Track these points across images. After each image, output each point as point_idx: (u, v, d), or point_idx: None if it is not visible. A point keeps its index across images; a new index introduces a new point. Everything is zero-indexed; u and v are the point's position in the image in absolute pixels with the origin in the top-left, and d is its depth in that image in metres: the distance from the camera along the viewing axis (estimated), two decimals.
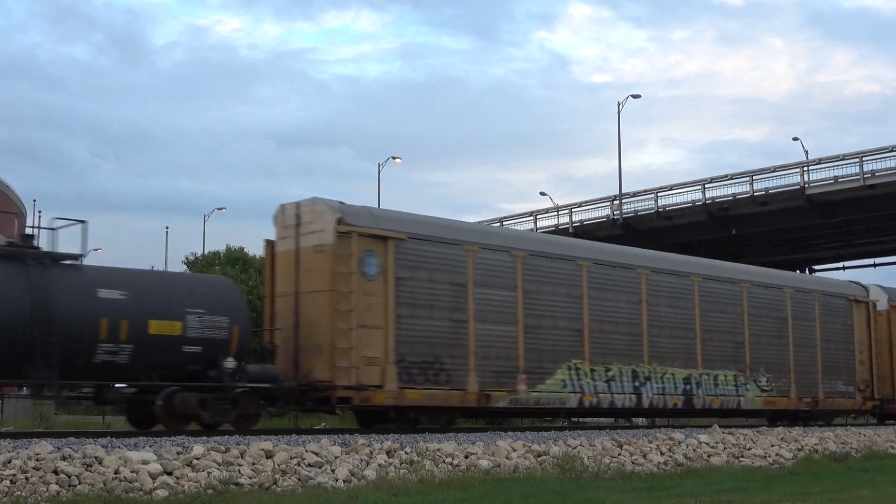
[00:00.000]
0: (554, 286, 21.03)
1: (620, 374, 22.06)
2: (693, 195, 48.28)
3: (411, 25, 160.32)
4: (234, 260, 48.47)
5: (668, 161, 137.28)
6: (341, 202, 18.47)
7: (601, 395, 21.65)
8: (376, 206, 58.23)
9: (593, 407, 22.00)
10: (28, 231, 16.21)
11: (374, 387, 17.72)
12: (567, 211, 53.39)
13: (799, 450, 20.05)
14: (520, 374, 20.08)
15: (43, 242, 16.08)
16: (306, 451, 13.20)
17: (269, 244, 19.25)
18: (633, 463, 16.38)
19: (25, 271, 15.10)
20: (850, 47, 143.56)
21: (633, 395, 22.29)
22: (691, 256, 27.74)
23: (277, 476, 12.13)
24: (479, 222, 56.88)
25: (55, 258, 15.64)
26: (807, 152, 52.90)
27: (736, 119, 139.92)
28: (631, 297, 22.54)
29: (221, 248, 50.44)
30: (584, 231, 50.46)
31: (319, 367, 17.61)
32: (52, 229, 16.37)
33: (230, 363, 16.63)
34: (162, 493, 10.98)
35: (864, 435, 23.61)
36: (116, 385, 16.11)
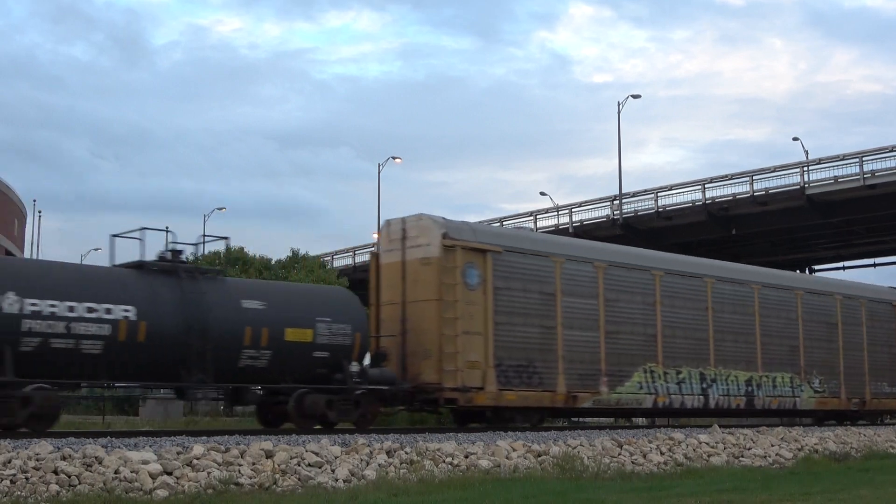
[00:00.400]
0: (630, 294, 22.71)
1: (689, 376, 23.74)
2: (693, 195, 48.29)
3: (412, 25, 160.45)
4: (234, 260, 48.47)
5: (669, 161, 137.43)
6: (445, 218, 20.08)
7: (673, 396, 23.36)
8: (376, 205, 58.25)
9: (665, 407, 23.55)
10: (177, 247, 17.60)
11: (476, 389, 19.25)
12: (567, 211, 53.39)
13: (799, 450, 20.05)
14: (602, 377, 21.74)
15: (148, 253, 17.04)
16: (306, 451, 13.20)
17: (374, 256, 20.99)
18: (633, 463, 16.38)
19: (180, 284, 16.69)
20: (850, 47, 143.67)
21: (700, 396, 24.06)
22: (751, 266, 29.50)
23: (277, 476, 12.14)
24: (479, 222, 56.88)
25: (203, 272, 17.42)
26: (807, 152, 52.94)
27: (737, 119, 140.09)
28: (698, 305, 24.27)
29: (221, 247, 50.47)
30: (584, 231, 50.46)
31: (427, 371, 19.15)
32: (196, 244, 18.67)
33: (355, 367, 18.24)
34: (162, 493, 10.98)
35: (864, 435, 23.61)
36: (252, 387, 17.61)
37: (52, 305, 15.13)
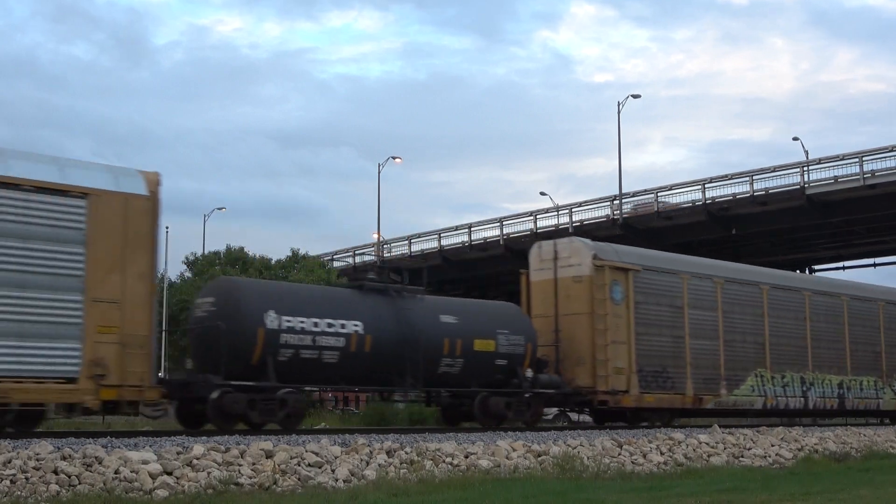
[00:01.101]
0: (742, 307, 25.42)
1: (792, 380, 26.45)
2: (693, 195, 48.27)
3: (414, 25, 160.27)
4: (235, 260, 48.50)
5: (672, 160, 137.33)
6: (594, 241, 23.27)
7: (779, 398, 25.98)
8: (376, 205, 58.21)
9: (773, 409, 26.09)
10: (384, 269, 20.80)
11: (622, 392, 21.93)
12: (567, 211, 53.38)
13: (799, 450, 20.05)
14: (721, 381, 24.40)
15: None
16: (306, 451, 13.20)
17: (524, 275, 23.60)
18: (632, 463, 16.38)
19: (392, 302, 19.48)
20: (853, 47, 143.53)
21: (801, 398, 26.69)
22: (841, 279, 32.66)
23: (277, 476, 12.14)
24: (479, 222, 57.02)
25: (409, 291, 20.12)
26: (807, 152, 52.95)
27: (739, 119, 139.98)
28: (797, 315, 27.03)
29: (222, 248, 50.48)
30: (584, 231, 50.40)
31: (582, 376, 21.86)
32: (400, 271, 21.47)
33: (529, 373, 20.96)
34: (162, 493, 10.98)
35: (864, 435, 23.62)
36: (445, 390, 20.31)
37: (302, 322, 17.79)
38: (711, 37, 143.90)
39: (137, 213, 15.77)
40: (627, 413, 22.75)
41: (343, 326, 18.35)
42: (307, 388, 19.03)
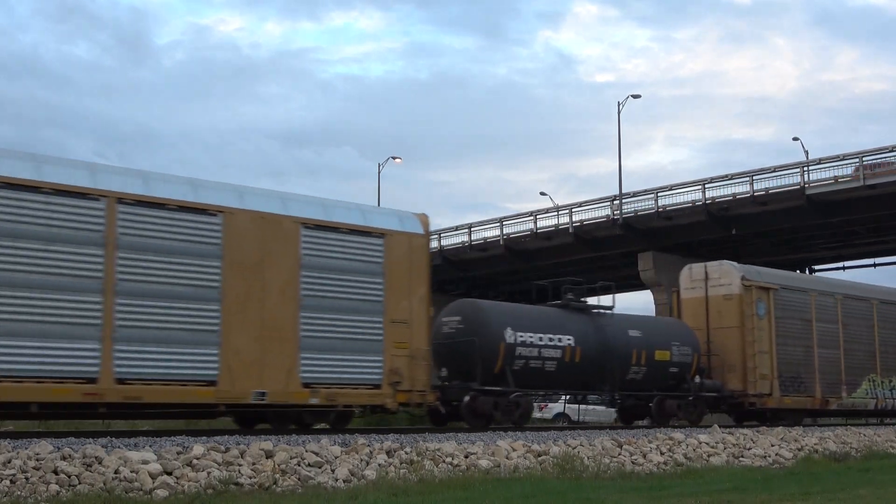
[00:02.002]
0: (857, 319, 28.99)
1: None
2: (693, 195, 48.23)
3: (416, 24, 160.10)
4: None
5: (676, 160, 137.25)
6: (741, 264, 27.23)
7: (888, 399, 29.81)
8: (376, 204, 58.20)
9: (882, 409, 29.91)
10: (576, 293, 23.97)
11: (766, 395, 25.69)
12: (567, 211, 53.35)
13: (799, 450, 20.05)
14: (842, 385, 28.15)
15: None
16: (306, 451, 13.20)
17: (675, 293, 28.08)
18: (632, 463, 16.38)
19: (591, 319, 23.41)
20: (856, 46, 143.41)
21: None
22: None
23: (277, 476, 12.14)
24: (480, 222, 57.01)
25: (602, 309, 24.17)
26: (807, 152, 52.96)
27: (743, 118, 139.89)
28: None
29: None
30: (584, 231, 50.47)
31: (733, 381, 25.69)
32: (597, 299, 25.46)
33: (697, 379, 24.91)
34: (162, 492, 10.98)
35: (864, 435, 23.62)
36: (632, 394, 24.30)
37: (531, 336, 21.52)
38: (714, 36, 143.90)
39: (417, 248, 19.24)
40: (767, 413, 26.26)
41: (560, 340, 22.20)
42: (533, 393, 22.54)
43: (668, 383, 24.46)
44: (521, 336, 21.22)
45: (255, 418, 18.42)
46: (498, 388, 20.63)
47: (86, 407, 15.33)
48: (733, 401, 25.73)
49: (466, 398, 20.09)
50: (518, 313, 22.19)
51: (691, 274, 27.05)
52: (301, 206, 17.95)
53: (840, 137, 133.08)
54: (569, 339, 22.23)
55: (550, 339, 21.88)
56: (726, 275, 26.22)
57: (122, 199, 15.45)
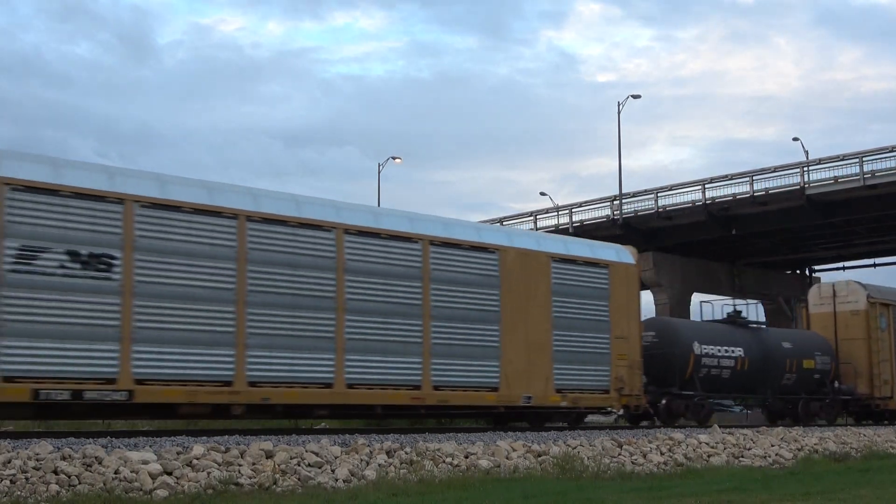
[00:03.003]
0: None
1: None
2: (693, 195, 48.29)
3: (419, 23, 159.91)
4: None
5: (680, 159, 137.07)
6: (866, 283, 31.15)
7: None
8: (377, 205, 58.23)
9: None
10: (739, 309, 29.02)
11: (887, 398, 29.92)
12: (567, 211, 53.40)
13: (799, 450, 20.04)
14: None
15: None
16: (306, 451, 13.20)
17: (804, 308, 32.06)
18: (633, 463, 16.38)
19: (754, 333, 28.29)
20: (860, 45, 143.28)
21: None
22: None
23: (277, 476, 12.14)
24: (481, 222, 56.91)
25: (758, 324, 29.51)
26: (807, 152, 52.97)
27: (746, 118, 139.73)
28: None
29: None
30: (584, 231, 50.47)
31: (861, 386, 29.77)
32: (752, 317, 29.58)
33: (836, 384, 29.25)
34: (162, 493, 10.98)
35: (864, 435, 23.62)
36: (786, 397, 28.62)
37: (712, 348, 26.18)
38: (716, 36, 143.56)
39: (632, 275, 23.10)
40: (886, 414, 30.71)
41: (732, 351, 26.68)
42: (713, 396, 26.71)
43: (811, 388, 28.81)
44: (706, 348, 25.93)
45: (512, 417, 22.08)
46: (689, 392, 25.18)
47: (412, 408, 19.28)
48: (862, 403, 29.91)
49: (664, 401, 24.72)
50: (701, 329, 27.15)
51: (820, 292, 31.64)
52: (550, 242, 22.33)
53: (845, 137, 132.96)
54: (739, 351, 26.90)
55: (726, 351, 26.59)
56: (853, 293, 30.42)
57: (432, 242, 19.21)
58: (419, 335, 18.67)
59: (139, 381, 15.28)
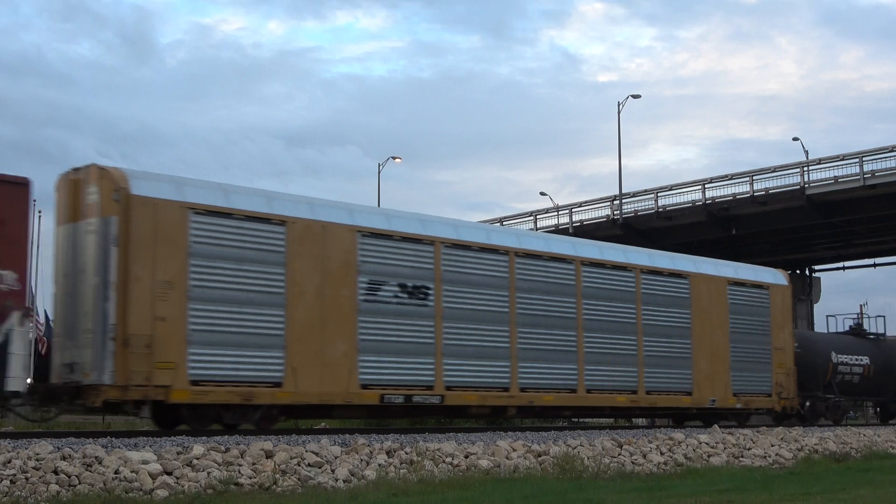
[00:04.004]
0: None
1: None
2: (693, 195, 48.24)
3: (422, 23, 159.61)
4: None
5: (682, 159, 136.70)
6: None
7: None
8: (377, 205, 58.21)
9: None
10: (859, 322, 35.08)
11: None
12: (567, 211, 53.36)
13: (799, 450, 20.03)
14: None
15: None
16: (306, 451, 13.20)
17: None
18: (633, 463, 16.37)
19: (875, 343, 33.58)
20: (864, 44, 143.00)
21: None
22: None
23: (277, 476, 12.13)
24: (483, 222, 56.91)
25: (878, 335, 34.46)
26: (807, 152, 52.92)
27: (749, 117, 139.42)
28: None
29: None
30: (584, 231, 50.42)
31: None
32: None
33: None
34: (162, 493, 10.98)
35: (864, 435, 23.62)
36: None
37: (846, 357, 31.29)
38: (719, 35, 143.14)
39: (786, 295, 27.33)
40: None
41: (860, 360, 31.78)
42: (844, 399, 31.36)
43: None
44: (841, 357, 30.94)
45: (689, 417, 26.19)
46: (829, 396, 30.13)
47: (629, 410, 24.80)
48: None
49: (808, 403, 29.40)
50: (836, 340, 31.90)
51: None
52: (725, 268, 26.28)
53: (850, 136, 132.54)
54: (865, 359, 31.91)
55: (856, 359, 31.52)
56: None
57: (642, 270, 23.50)
58: (635, 349, 23.05)
59: (448, 388, 19.29)
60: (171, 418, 16.76)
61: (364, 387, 18.00)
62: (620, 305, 22.78)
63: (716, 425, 22.58)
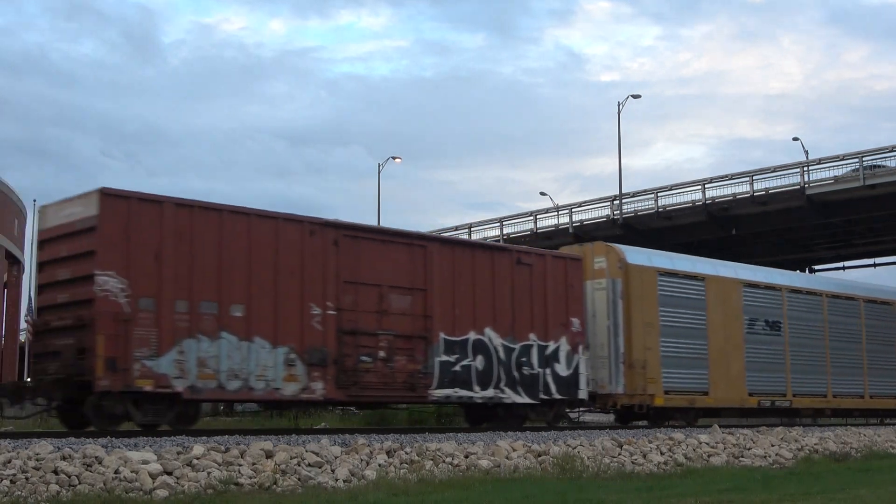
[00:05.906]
0: None
1: None
2: (693, 195, 48.29)
3: (427, 21, 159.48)
4: None
5: (685, 159, 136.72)
6: None
7: None
8: (376, 205, 58.11)
9: None
10: None
11: None
12: (567, 211, 53.39)
13: (799, 450, 20.03)
14: None
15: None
16: (306, 451, 13.20)
17: None
18: (633, 463, 16.37)
19: None
20: (871, 43, 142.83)
21: None
22: None
23: (277, 476, 12.14)
24: (480, 222, 57.04)
25: None
26: (807, 152, 52.98)
27: (757, 116, 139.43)
28: None
29: None
30: (584, 231, 50.48)
31: None
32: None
33: None
34: (162, 493, 10.98)
35: (864, 435, 23.61)
36: None
37: None
38: (725, 34, 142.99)
39: None
40: None
41: None
42: None
43: None
44: None
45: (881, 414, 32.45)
46: None
47: (890, 412, 31.89)
48: None
49: None
50: None
51: None
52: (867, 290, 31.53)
53: (859, 135, 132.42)
54: None
55: None
56: None
57: (865, 300, 30.41)
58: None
59: (794, 395, 27.29)
60: (625, 415, 24.73)
61: (749, 395, 25.99)
62: (874, 328, 30.52)
63: (715, 425, 22.56)
